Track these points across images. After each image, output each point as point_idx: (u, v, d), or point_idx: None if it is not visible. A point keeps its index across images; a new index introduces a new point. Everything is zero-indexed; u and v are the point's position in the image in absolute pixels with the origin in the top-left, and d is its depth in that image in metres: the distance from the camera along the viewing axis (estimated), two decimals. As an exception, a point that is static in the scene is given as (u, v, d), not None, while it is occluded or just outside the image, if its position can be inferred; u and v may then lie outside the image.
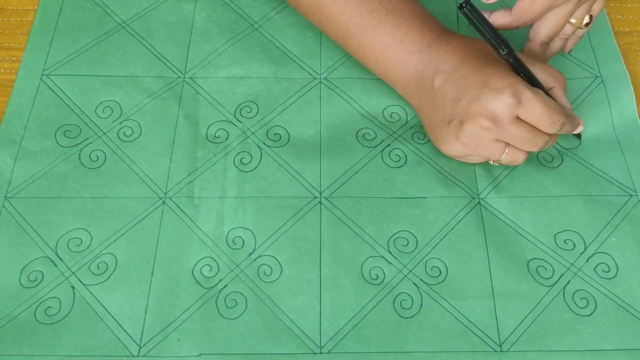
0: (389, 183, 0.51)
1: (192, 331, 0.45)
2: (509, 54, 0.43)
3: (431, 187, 0.51)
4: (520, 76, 0.46)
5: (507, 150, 0.47)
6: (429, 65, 0.49)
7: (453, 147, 0.48)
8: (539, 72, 0.48)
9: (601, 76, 0.57)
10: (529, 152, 0.48)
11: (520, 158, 0.48)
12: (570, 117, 0.46)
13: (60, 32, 0.58)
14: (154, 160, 0.52)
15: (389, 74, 0.52)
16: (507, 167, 0.52)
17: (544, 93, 0.45)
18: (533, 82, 0.46)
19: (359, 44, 0.51)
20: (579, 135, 0.53)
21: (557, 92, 0.49)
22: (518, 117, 0.45)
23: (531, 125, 0.45)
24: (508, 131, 0.45)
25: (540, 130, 0.46)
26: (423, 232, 0.49)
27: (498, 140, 0.47)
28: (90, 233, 0.48)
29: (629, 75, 0.56)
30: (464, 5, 0.41)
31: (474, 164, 0.51)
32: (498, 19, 0.49)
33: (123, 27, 0.59)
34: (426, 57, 0.49)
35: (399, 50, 0.50)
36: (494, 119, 0.45)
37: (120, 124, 0.53)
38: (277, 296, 0.46)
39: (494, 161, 0.49)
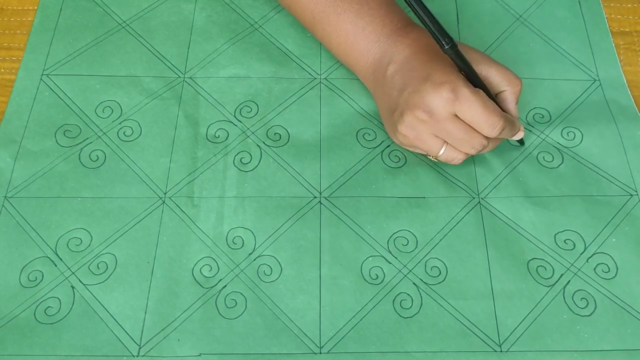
0: (389, 183, 0.51)
1: (192, 331, 0.45)
2: (451, 49, 0.43)
3: (431, 187, 0.51)
4: (463, 74, 0.46)
5: (444, 147, 0.47)
6: (385, 55, 0.49)
7: (396, 137, 0.49)
8: (494, 74, 0.47)
9: (599, 79, 0.57)
10: (468, 155, 0.48)
11: (457, 158, 0.48)
12: (510, 122, 0.46)
13: (60, 32, 0.58)
14: (154, 160, 0.52)
15: (350, 61, 0.52)
16: (507, 166, 0.52)
17: (484, 94, 0.45)
18: (476, 82, 0.46)
19: (324, 29, 0.52)
20: (521, 142, 0.52)
21: (507, 96, 0.48)
22: (456, 115, 0.45)
23: (469, 126, 0.45)
24: (444, 127, 0.45)
25: (478, 132, 0.45)
26: (423, 231, 0.49)
27: (436, 136, 0.47)
28: (90, 233, 0.48)
29: (624, 77, 0.56)
30: None
31: (472, 165, 0.52)
32: None
33: (123, 27, 0.59)
34: (385, 46, 0.49)
35: (360, 38, 0.50)
36: (430, 112, 0.45)
37: (120, 124, 0.53)
38: (277, 296, 0.46)
39: (432, 156, 0.49)
